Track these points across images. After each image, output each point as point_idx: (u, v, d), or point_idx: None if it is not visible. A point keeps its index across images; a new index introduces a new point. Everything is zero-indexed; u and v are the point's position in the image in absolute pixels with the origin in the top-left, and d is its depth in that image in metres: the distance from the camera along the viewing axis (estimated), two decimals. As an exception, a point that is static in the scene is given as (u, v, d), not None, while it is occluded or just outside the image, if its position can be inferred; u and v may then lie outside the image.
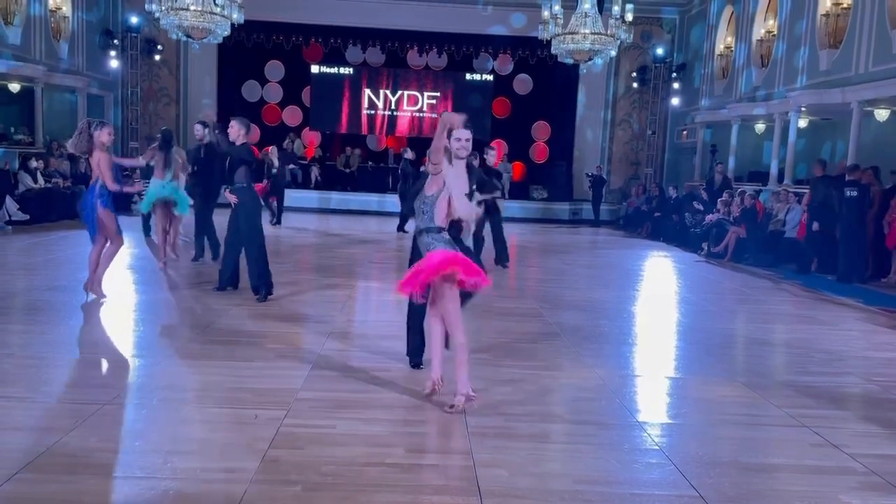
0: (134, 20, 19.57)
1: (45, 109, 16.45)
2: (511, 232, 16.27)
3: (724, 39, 18.50)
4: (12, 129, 16.16)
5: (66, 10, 17.50)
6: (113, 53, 19.33)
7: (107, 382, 4.95)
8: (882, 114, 13.29)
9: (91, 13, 18.55)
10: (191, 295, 7.87)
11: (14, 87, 16.05)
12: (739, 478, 3.80)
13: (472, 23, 20.12)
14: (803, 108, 14.19)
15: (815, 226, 11.59)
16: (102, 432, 4.02)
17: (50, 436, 3.87)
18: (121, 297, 7.45)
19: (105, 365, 5.37)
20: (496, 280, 8.01)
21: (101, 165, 6.94)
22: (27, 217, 13.46)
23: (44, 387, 4.72)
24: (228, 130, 7.52)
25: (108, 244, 7.20)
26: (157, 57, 20.14)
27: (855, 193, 10.80)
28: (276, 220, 15.54)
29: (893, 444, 4.41)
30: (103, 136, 6.98)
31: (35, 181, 14.62)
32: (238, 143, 7.48)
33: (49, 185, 14.91)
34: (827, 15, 13.70)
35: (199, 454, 3.77)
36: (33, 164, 14.74)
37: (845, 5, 13.30)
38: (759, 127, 17.43)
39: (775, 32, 15.78)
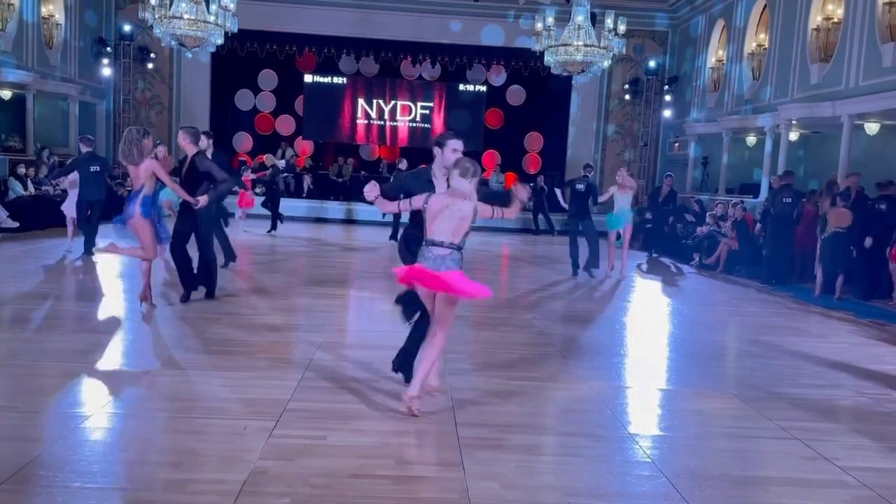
0: (127, 28, 19.52)
1: (36, 116, 16.36)
2: (503, 242, 16.28)
3: (715, 52, 18.61)
4: (3, 136, 16.08)
5: (59, 17, 17.45)
6: (105, 61, 19.27)
7: (94, 392, 4.89)
8: (872, 127, 13.37)
9: (84, 21, 18.52)
10: (180, 304, 7.81)
11: (5, 93, 15.97)
12: (731, 491, 3.78)
13: (465, 34, 20.17)
14: (794, 122, 14.27)
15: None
16: (88, 443, 3.97)
17: (35, 446, 3.83)
18: (109, 306, 7.39)
19: (92, 374, 5.30)
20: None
21: (158, 172, 6.90)
22: (17, 224, 13.35)
23: (30, 396, 4.66)
24: (178, 140, 7.66)
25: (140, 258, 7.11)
26: (150, 65, 20.10)
27: (884, 207, 10.81)
28: (272, 228, 15.53)
29: (885, 458, 4.41)
30: (150, 143, 7.06)
31: (25, 188, 14.53)
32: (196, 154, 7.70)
33: (39, 193, 14.82)
34: (818, 29, 13.80)
35: (187, 465, 3.73)
36: (22, 170, 14.65)
37: (836, 20, 13.41)
38: (751, 139, 17.52)
39: (767, 46, 15.89)
